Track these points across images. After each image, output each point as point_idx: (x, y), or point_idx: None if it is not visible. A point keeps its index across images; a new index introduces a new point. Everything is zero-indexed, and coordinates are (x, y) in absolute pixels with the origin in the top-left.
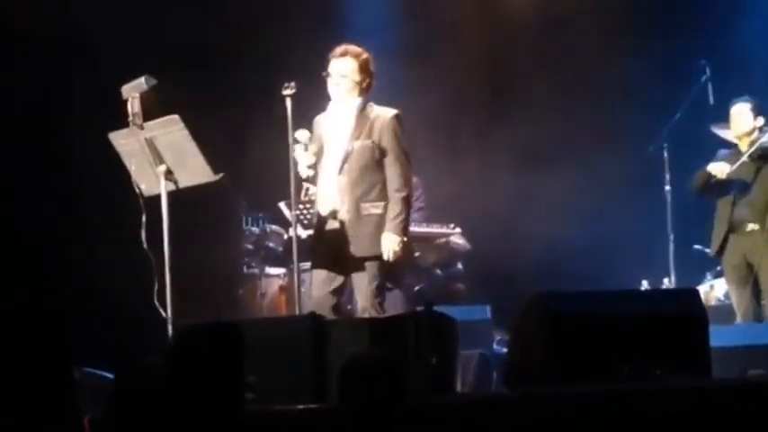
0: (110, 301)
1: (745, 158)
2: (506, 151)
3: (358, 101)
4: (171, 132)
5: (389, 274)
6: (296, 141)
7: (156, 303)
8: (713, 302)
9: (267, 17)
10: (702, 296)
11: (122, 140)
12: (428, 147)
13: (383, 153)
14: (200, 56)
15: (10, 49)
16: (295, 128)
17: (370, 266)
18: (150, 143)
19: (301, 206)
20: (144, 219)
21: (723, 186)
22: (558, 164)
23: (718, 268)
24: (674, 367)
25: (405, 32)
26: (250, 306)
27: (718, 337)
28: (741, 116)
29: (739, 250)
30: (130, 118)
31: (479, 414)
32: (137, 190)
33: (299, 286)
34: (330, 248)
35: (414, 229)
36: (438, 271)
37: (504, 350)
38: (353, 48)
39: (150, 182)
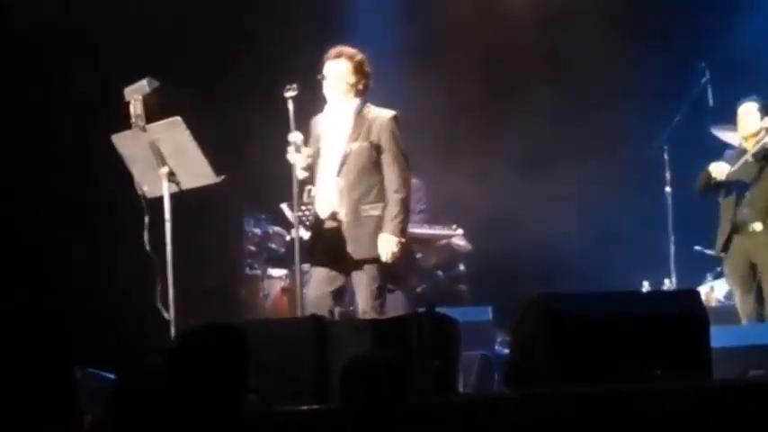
0: (113, 302)
1: (748, 159)
2: (508, 152)
3: (355, 102)
4: (173, 134)
5: (390, 275)
6: (288, 143)
7: (159, 305)
8: (714, 303)
9: (269, 19)
10: (703, 297)
11: (125, 142)
12: (430, 148)
13: (381, 154)
14: (202, 58)
15: (10, 50)
16: (297, 129)
17: (370, 268)
18: (153, 145)
19: (303, 207)
20: (147, 220)
21: (724, 187)
22: (560, 165)
23: (719, 269)
24: (675, 368)
25: (406, 33)
26: (252, 307)
27: (719, 337)
28: (749, 116)
29: (742, 251)
30: (133, 120)
31: (481, 414)
32: (139, 192)
33: (301, 288)
34: (329, 250)
35: (415, 230)
36: (440, 272)
37: (506, 351)
38: (348, 49)
39: (153, 184)
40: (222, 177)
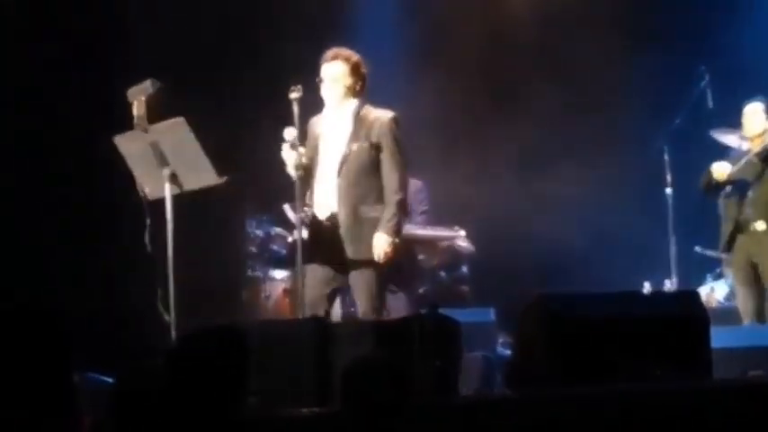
0: (114, 303)
1: (752, 158)
2: (510, 153)
3: (354, 103)
4: (177, 135)
5: (392, 276)
6: (283, 140)
7: (160, 306)
8: (714, 304)
9: (274, 19)
10: (703, 298)
11: (127, 143)
12: (432, 149)
13: (381, 155)
14: (205, 59)
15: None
16: (301, 130)
17: (369, 270)
18: (155, 146)
19: (306, 208)
20: (148, 222)
21: (726, 186)
22: (561, 166)
23: (719, 270)
24: (675, 368)
25: (407, 34)
26: (254, 309)
27: (719, 338)
28: (754, 116)
29: (744, 251)
30: (135, 121)
31: (481, 415)
32: (141, 193)
33: (303, 289)
34: (327, 251)
35: (418, 231)
36: (442, 273)
37: (508, 352)
38: (344, 51)
39: (155, 185)
40: (225, 179)
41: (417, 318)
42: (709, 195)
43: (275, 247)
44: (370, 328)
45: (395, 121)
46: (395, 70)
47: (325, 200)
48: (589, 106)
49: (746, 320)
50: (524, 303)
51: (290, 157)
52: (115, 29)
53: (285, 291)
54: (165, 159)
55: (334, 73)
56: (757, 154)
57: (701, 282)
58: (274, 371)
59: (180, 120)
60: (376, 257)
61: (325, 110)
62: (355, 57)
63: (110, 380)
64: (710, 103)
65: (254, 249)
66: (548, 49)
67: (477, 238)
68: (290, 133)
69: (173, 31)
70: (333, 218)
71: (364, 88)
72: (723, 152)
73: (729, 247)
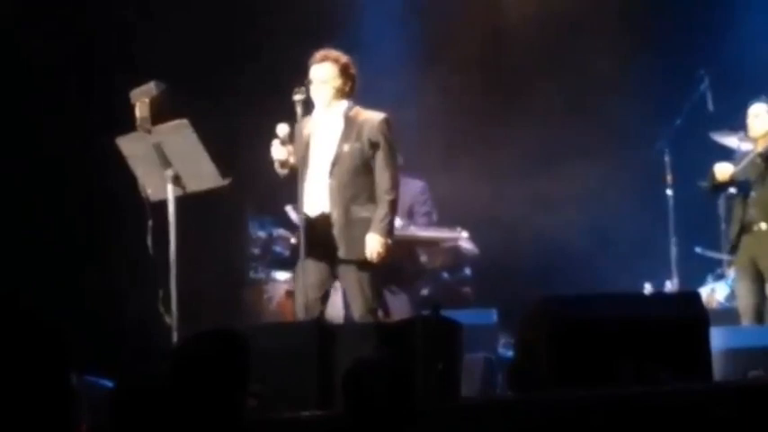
0: (115, 306)
1: (756, 159)
2: (512, 155)
3: (344, 105)
4: (180, 136)
5: (393, 277)
6: (275, 136)
7: (161, 308)
8: (714, 305)
9: (277, 21)
10: (704, 299)
11: (129, 145)
12: (435, 150)
13: (373, 156)
14: (208, 60)
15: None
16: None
17: (363, 271)
18: (158, 148)
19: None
20: (150, 223)
21: (731, 186)
22: (563, 167)
23: (719, 271)
24: (676, 370)
25: (409, 35)
26: (256, 311)
27: (720, 339)
28: (759, 117)
29: (748, 251)
30: (138, 122)
31: (483, 417)
32: (143, 195)
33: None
34: (319, 252)
35: (421, 232)
36: (445, 275)
37: (510, 354)
38: (333, 52)
39: (157, 187)
40: (228, 180)
41: (419, 319)
42: (717, 194)
43: (278, 249)
44: (371, 330)
45: (387, 122)
46: (397, 71)
47: (317, 199)
48: (591, 107)
49: (745, 320)
50: (526, 305)
51: (278, 154)
52: (116, 29)
53: (288, 292)
54: (167, 161)
55: (324, 74)
56: (761, 154)
57: (701, 282)
58: (276, 373)
59: (183, 121)
60: (368, 257)
61: (314, 112)
62: (344, 58)
63: (109, 383)
64: (711, 107)
65: (256, 251)
66: (550, 51)
67: (480, 240)
68: (282, 129)
69: (173, 31)
70: (323, 217)
71: (354, 89)
72: (728, 154)
73: (735, 249)
